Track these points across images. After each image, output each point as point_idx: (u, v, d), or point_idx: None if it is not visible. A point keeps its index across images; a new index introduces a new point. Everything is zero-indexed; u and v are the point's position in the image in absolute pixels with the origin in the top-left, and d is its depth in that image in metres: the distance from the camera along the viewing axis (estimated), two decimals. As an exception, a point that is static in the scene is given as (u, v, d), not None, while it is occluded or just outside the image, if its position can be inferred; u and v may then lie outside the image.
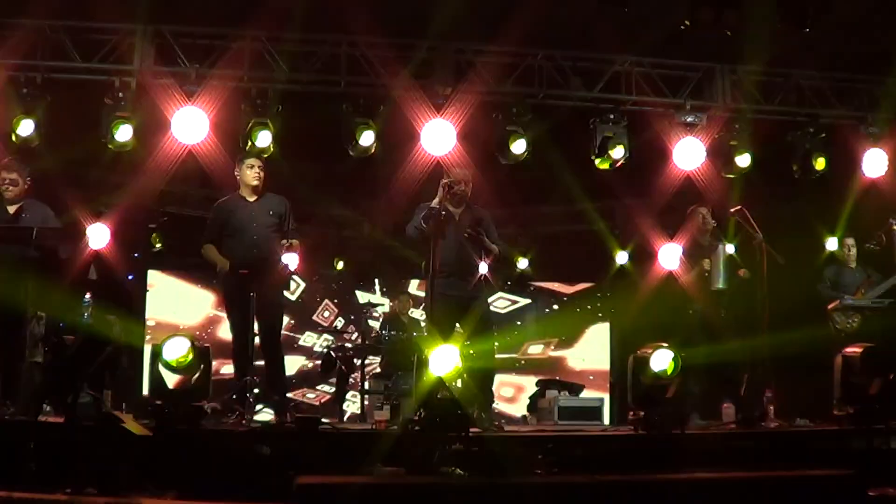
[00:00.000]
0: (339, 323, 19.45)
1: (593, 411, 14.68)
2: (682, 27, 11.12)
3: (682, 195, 15.98)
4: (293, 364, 18.80)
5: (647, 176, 15.90)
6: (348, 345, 16.05)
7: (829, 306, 12.56)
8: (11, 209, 10.39)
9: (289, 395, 12.09)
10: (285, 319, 13.49)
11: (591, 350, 20.27)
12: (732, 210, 11.82)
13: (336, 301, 20.17)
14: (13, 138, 11.75)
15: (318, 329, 19.27)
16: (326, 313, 20.02)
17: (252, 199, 10.85)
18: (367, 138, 12.47)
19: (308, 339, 19.53)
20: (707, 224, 12.16)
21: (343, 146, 12.71)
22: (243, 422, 9.73)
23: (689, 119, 12.93)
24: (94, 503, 6.60)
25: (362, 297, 20.01)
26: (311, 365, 19.19)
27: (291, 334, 19.11)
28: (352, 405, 16.81)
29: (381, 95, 12.52)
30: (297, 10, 11.59)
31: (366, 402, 14.40)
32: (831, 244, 14.01)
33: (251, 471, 7.87)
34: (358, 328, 15.40)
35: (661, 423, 9.22)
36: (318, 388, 19.13)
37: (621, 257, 18.07)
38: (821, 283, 13.01)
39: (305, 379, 19.18)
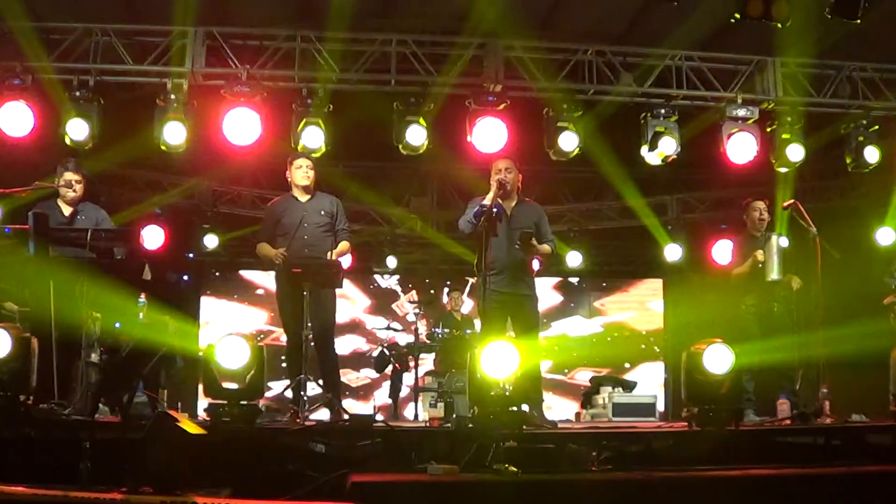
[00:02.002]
0: (392, 321, 19.48)
1: (647, 407, 14.61)
2: (732, 20, 11.05)
3: (733, 189, 15.92)
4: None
5: (698, 170, 15.84)
6: (401, 342, 16.06)
7: (886, 300, 12.40)
8: (67, 210, 10.50)
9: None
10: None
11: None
12: (786, 204, 11.68)
13: (388, 299, 20.21)
14: (67, 141, 11.86)
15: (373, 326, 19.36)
16: (380, 310, 20.11)
17: (304, 198, 10.88)
18: (417, 136, 12.45)
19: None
20: (763, 218, 12.01)
21: (394, 144, 12.70)
22: (297, 420, 9.74)
23: (741, 112, 12.80)
24: (149, 502, 6.61)
25: (414, 294, 20.03)
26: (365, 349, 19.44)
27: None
28: (405, 402, 16.82)
29: (431, 93, 12.50)
30: (346, 9, 11.62)
31: (419, 400, 14.38)
32: (884, 236, 13.86)
33: (305, 469, 7.86)
34: (410, 326, 15.38)
35: (716, 419, 9.14)
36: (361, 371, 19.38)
37: (673, 252, 17.96)
38: (888, 275, 12.78)
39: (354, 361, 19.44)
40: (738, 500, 7.36)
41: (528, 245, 10.37)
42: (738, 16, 10.97)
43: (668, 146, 12.83)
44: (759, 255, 11.64)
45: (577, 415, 16.79)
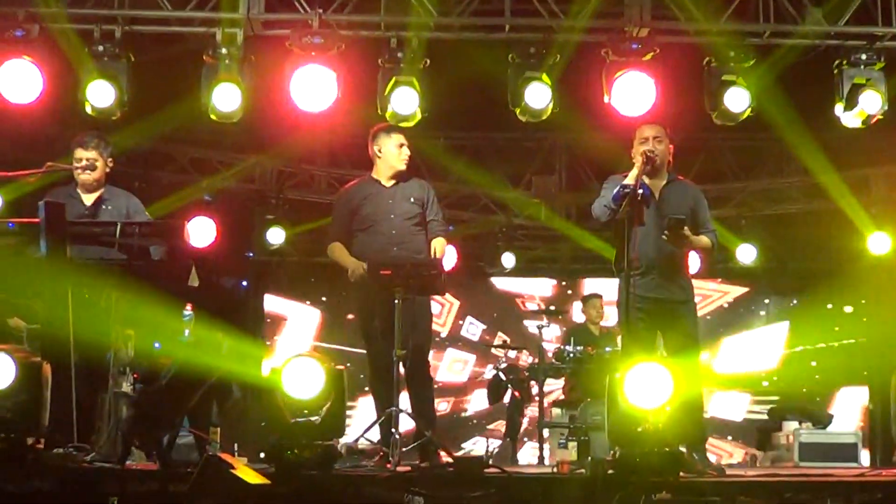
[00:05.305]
0: (508, 337, 19.51)
1: (848, 449, 14.42)
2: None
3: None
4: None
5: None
6: (522, 364, 16.03)
7: None
8: (88, 199, 10.46)
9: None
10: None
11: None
12: None
13: (504, 309, 20.22)
14: (87, 109, 11.90)
15: (478, 348, 19.38)
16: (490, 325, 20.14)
17: (389, 183, 10.79)
18: (539, 97, 12.36)
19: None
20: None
21: (510, 108, 12.63)
22: (388, 465, 9.74)
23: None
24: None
25: (538, 301, 20.01)
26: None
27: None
28: (528, 443, 16.81)
29: (557, 41, 12.40)
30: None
31: (545, 438, 14.35)
32: None
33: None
34: (534, 342, 15.33)
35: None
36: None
37: (880, 243, 17.66)
38: None
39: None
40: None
41: (680, 235, 10.22)
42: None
43: (872, 103, 12.58)
44: None
45: (752, 458, 16.64)
